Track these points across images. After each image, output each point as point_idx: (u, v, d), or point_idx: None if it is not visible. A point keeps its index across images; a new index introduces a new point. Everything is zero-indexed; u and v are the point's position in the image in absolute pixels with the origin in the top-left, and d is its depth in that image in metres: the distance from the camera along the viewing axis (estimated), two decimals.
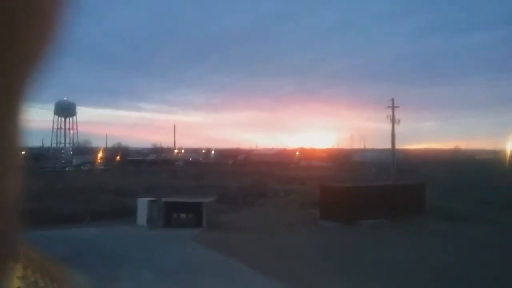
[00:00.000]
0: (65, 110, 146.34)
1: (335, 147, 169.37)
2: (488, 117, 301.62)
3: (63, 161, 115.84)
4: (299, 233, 26.33)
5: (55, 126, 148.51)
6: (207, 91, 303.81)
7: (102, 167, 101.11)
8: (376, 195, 30.50)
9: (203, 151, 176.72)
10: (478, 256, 20.06)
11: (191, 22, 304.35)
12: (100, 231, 26.76)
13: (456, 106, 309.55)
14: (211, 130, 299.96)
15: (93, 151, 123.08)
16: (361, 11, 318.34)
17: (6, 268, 0.54)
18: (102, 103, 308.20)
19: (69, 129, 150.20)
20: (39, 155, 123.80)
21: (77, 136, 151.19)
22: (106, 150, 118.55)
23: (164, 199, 29.46)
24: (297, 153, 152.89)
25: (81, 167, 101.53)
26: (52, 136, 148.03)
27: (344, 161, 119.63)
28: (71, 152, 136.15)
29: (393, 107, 48.49)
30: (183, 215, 28.43)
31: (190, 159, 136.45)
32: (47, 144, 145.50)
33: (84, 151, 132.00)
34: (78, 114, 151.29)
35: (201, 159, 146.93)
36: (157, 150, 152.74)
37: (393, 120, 48.39)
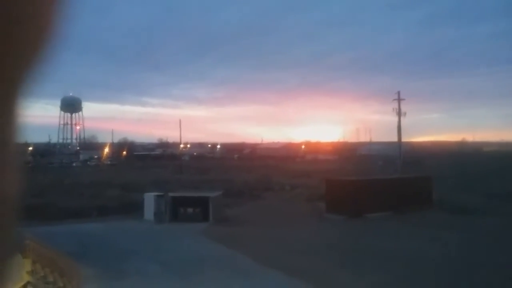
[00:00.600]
0: (71, 105, 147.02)
1: (341, 140, 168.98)
2: (495, 109, 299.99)
3: (69, 157, 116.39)
4: (305, 226, 26.37)
5: (62, 122, 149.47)
6: (211, 85, 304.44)
7: (109, 162, 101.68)
8: (383, 188, 30.42)
9: (209, 145, 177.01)
10: (482, 249, 19.97)
11: (194, 16, 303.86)
12: (107, 226, 26.96)
13: (463, 97, 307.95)
14: (216, 124, 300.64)
15: (99, 146, 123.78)
16: (364, 2, 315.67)
17: (5, 265, 0.54)
18: (107, 98, 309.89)
19: (75, 124, 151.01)
20: (46, 151, 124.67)
21: (83, 131, 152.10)
22: (112, 145, 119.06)
23: (170, 194, 29.57)
24: (303, 146, 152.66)
25: (88, 163, 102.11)
26: (58, 131, 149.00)
27: (350, 154, 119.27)
28: (78, 148, 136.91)
29: (399, 100, 48.19)
30: (190, 210, 28.54)
31: (195, 153, 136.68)
32: (54, 140, 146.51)
33: (90, 146, 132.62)
34: (83, 109, 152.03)
35: (206, 153, 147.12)
36: (163, 145, 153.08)
37: (399, 113, 48.11)
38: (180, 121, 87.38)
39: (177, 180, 51.09)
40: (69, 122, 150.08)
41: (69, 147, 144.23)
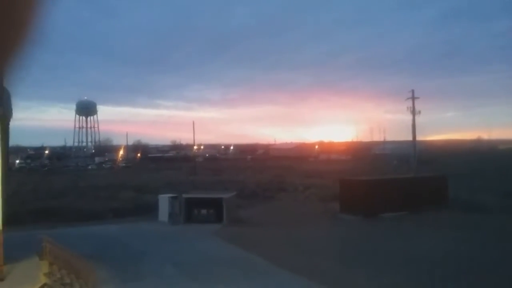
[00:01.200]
0: (86, 109, 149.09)
1: (355, 140, 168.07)
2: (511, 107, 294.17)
3: (84, 160, 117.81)
4: (318, 227, 26.27)
5: (77, 125, 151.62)
6: (223, 86, 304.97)
7: (123, 164, 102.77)
8: (397, 188, 30.14)
9: (222, 146, 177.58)
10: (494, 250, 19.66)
11: (206, 18, 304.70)
12: (123, 227, 27.22)
13: (478, 95, 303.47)
14: (229, 126, 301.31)
15: (114, 149, 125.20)
16: (377, 1, 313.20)
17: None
18: (121, 101, 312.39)
19: (91, 127, 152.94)
20: (62, 154, 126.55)
21: (98, 134, 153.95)
22: (126, 147, 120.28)
23: (184, 195, 29.71)
24: (316, 146, 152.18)
25: (103, 165, 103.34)
26: (74, 135, 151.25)
27: (364, 154, 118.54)
28: (93, 151, 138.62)
29: (413, 98, 47.64)
30: (203, 211, 28.64)
31: (207, 155, 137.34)
32: (69, 143, 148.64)
33: (105, 149, 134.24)
34: (98, 112, 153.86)
35: (217, 155, 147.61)
36: (176, 147, 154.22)
37: (413, 112, 47.55)
38: (193, 122, 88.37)
39: (191, 181, 51.33)
40: (84, 126, 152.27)
41: (85, 150, 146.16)
